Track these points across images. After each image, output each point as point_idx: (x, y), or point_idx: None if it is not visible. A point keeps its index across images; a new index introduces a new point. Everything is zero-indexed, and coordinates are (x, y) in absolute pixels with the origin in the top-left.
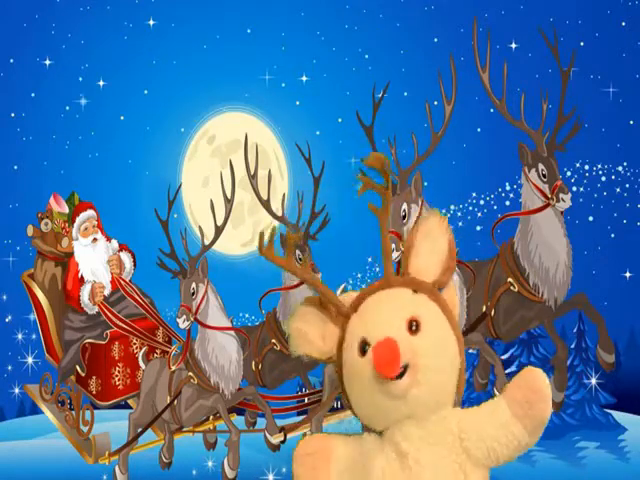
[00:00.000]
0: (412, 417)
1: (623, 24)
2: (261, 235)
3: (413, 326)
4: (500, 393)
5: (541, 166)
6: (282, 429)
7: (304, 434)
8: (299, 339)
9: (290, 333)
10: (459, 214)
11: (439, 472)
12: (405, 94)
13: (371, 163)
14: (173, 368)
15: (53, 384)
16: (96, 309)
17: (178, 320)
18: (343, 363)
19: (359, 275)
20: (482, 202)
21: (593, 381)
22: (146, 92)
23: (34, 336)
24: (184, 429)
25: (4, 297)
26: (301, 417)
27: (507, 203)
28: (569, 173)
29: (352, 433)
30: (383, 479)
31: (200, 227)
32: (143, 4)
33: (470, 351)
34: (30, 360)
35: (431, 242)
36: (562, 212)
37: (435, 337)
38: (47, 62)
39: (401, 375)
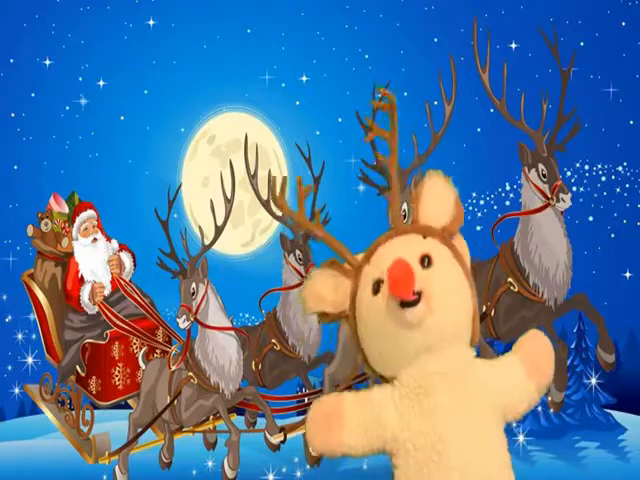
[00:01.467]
0: (430, 350)
1: (623, 24)
2: (273, 182)
3: (425, 261)
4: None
5: (541, 166)
6: (282, 429)
7: (304, 434)
8: (311, 299)
9: (303, 296)
10: None
11: (461, 413)
12: (405, 94)
13: (379, 105)
14: (173, 368)
15: (53, 384)
16: (96, 309)
17: (178, 320)
18: (357, 312)
19: None
20: (482, 202)
21: (593, 381)
22: (146, 92)
23: (34, 336)
24: (184, 429)
25: (4, 297)
26: (301, 417)
27: (507, 203)
28: (569, 173)
29: (361, 389)
30: (401, 422)
31: (200, 227)
32: (143, 4)
33: None
34: (30, 360)
35: (437, 194)
36: (562, 212)
37: (447, 272)
38: (47, 62)
39: (416, 302)
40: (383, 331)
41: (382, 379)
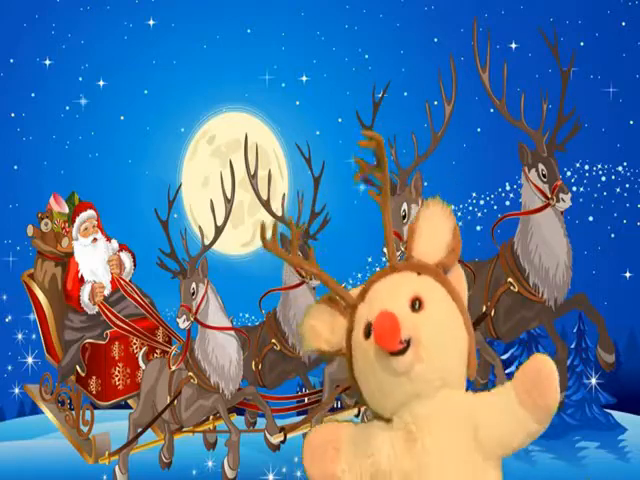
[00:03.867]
0: (419, 396)
1: (623, 24)
2: (262, 227)
3: (416, 304)
4: (510, 380)
5: (541, 166)
6: (282, 429)
7: (304, 434)
8: (309, 335)
9: (302, 331)
10: (459, 214)
11: (447, 456)
12: (405, 94)
13: (367, 144)
14: (173, 368)
15: (53, 384)
16: (96, 309)
17: (178, 320)
18: (352, 352)
19: (359, 275)
20: (482, 202)
21: (593, 381)
22: (146, 92)
23: (34, 336)
24: (184, 429)
25: (4, 297)
26: (301, 417)
27: (507, 203)
28: (569, 173)
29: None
30: (389, 464)
31: (200, 227)
32: (143, 4)
33: None
34: (30, 360)
35: (434, 225)
36: (562, 212)
37: (439, 315)
38: (47, 62)
39: (404, 351)
40: (372, 376)
41: (378, 417)
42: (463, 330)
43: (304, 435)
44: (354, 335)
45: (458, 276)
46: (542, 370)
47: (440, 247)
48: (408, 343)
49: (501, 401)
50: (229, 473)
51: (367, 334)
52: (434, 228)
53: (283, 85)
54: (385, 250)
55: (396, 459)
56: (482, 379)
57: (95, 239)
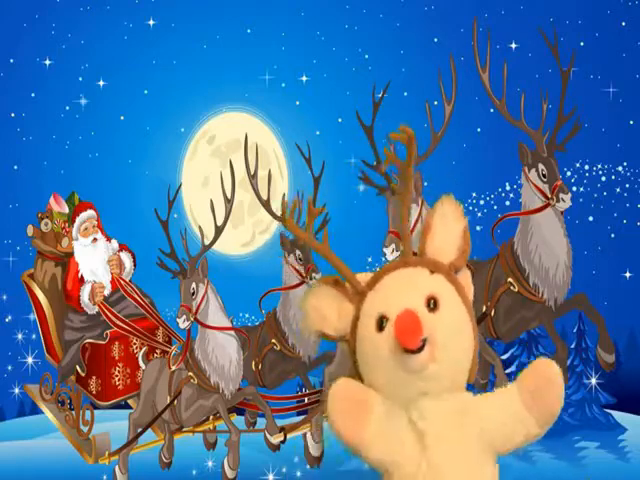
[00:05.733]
0: (427, 394)
1: (623, 24)
2: (284, 204)
3: (431, 304)
4: (514, 381)
5: (541, 166)
6: (282, 429)
7: (304, 434)
8: (314, 316)
9: (305, 310)
10: None
11: (452, 452)
12: (405, 94)
13: (398, 137)
14: (173, 368)
15: (53, 384)
16: (96, 309)
17: (178, 320)
18: (358, 340)
19: None
20: (482, 202)
21: (593, 381)
22: (146, 92)
23: (34, 336)
24: (184, 429)
25: (4, 297)
26: (301, 417)
27: (507, 203)
28: (569, 173)
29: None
30: (404, 452)
31: (200, 227)
32: (143, 4)
33: None
34: (30, 360)
35: (447, 225)
36: (562, 212)
37: (452, 317)
38: (47, 62)
39: (420, 349)
40: (384, 370)
41: None
42: (471, 332)
43: (304, 435)
44: (360, 324)
45: (466, 279)
46: (546, 373)
47: (452, 248)
48: (424, 342)
49: (505, 401)
50: (229, 473)
51: (380, 326)
52: (448, 228)
53: (283, 85)
54: (385, 248)
55: (412, 449)
56: (482, 379)
57: (95, 239)
